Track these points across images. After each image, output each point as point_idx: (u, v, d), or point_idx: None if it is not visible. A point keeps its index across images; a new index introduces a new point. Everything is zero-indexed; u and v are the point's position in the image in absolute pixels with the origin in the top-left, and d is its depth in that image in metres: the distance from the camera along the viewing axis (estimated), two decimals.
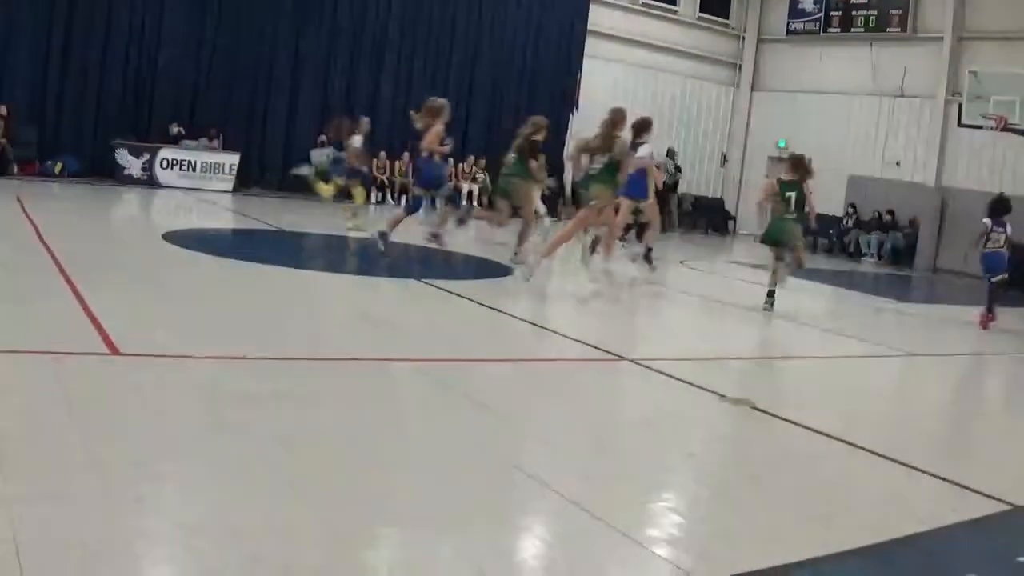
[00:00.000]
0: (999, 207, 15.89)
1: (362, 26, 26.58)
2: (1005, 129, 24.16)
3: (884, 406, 8.93)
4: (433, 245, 14.81)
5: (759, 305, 13.70)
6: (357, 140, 18.42)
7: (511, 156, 15.17)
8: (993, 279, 15.59)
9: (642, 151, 15.01)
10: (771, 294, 13.90)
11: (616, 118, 13.16)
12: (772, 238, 14.11)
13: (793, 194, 13.76)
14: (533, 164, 14.96)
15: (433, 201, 15.98)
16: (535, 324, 10.27)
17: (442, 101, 14.90)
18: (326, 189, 19.10)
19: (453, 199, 16.24)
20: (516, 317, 10.34)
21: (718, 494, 5.63)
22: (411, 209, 15.66)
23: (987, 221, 15.77)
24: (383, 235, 14.42)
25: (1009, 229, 15.73)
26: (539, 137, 15.00)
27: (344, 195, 18.88)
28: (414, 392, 6.98)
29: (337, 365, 7.41)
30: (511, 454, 5.73)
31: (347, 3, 26.29)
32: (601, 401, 7.56)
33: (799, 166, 14.07)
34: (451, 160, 22.10)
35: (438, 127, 14.35)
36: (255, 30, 24.73)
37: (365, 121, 18.94)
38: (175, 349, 7.05)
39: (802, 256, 14.50)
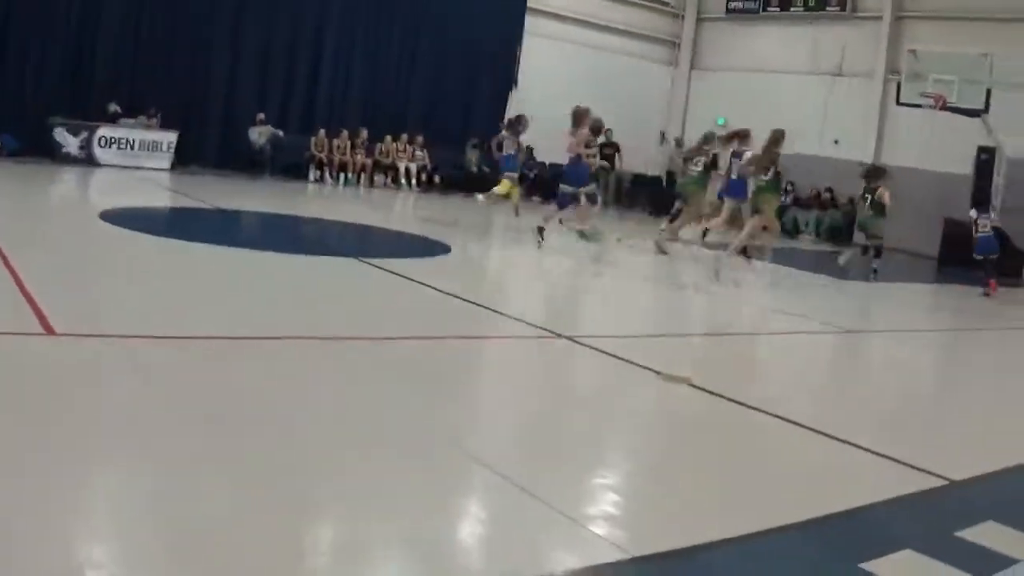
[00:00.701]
0: (874, 174, 19.09)
1: (302, 5, 26.25)
2: (943, 108, 24.26)
3: (821, 382, 8.96)
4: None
5: (697, 282, 13.80)
6: (523, 137, 19.83)
7: (695, 168, 17.28)
8: (990, 257, 18.39)
9: (747, 158, 16.74)
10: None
11: (778, 136, 15.89)
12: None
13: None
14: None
15: (577, 198, 16.31)
16: (472, 302, 10.16)
17: (586, 107, 16.57)
18: (504, 187, 19.08)
19: (593, 197, 17.56)
20: (453, 295, 10.22)
21: (654, 471, 5.61)
22: (561, 205, 16.62)
23: (973, 213, 18.94)
24: (540, 230, 15.93)
25: (993, 216, 18.98)
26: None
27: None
28: (350, 370, 6.87)
29: (270, 344, 7.30)
30: (447, 432, 5.67)
31: None
32: (537, 379, 7.51)
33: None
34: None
35: (584, 131, 16.23)
36: (193, 7, 24.35)
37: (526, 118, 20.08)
38: (110, 329, 6.94)
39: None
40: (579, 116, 16.31)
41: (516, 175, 19.47)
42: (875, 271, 18.63)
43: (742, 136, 17.48)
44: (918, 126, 27.70)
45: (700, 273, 15.72)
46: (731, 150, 17.60)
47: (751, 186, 16.87)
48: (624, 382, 7.52)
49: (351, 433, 5.44)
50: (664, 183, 28.07)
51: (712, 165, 18.22)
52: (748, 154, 16.87)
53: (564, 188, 16.43)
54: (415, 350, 7.68)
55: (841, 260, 18.63)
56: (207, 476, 4.47)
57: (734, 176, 17.35)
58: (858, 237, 20.97)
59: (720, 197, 18.12)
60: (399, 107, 28.11)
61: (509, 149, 19.39)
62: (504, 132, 20.12)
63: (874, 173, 19.33)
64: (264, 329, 7.78)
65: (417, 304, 9.81)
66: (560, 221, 17.09)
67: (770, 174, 15.93)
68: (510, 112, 29.03)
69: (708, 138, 18.83)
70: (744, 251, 16.66)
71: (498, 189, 18.83)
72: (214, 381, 6.09)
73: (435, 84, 28.91)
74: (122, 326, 7.08)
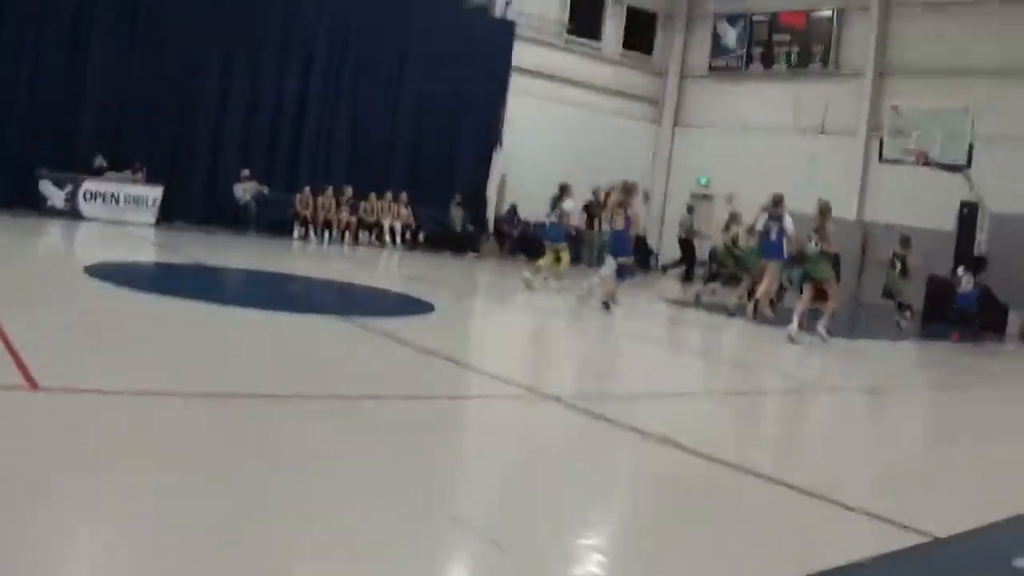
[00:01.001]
0: (906, 243, 21.12)
1: (287, 63, 26.33)
2: (926, 164, 24.39)
3: (807, 441, 8.87)
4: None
5: (682, 341, 13.78)
6: (569, 204, 19.59)
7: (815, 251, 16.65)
8: (966, 313, 20.95)
9: (788, 222, 17.62)
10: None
11: (826, 207, 16.46)
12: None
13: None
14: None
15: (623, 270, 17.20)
16: (453, 361, 10.08)
17: (635, 181, 17.98)
18: (548, 262, 19.31)
19: (631, 270, 17.83)
20: (434, 353, 10.14)
21: (639, 531, 5.52)
22: (621, 278, 17.13)
23: (959, 272, 21.58)
24: (606, 305, 16.27)
25: (977, 277, 21.07)
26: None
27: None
28: (330, 428, 6.78)
29: (247, 401, 7.20)
30: (429, 491, 5.57)
31: (272, 39, 26.02)
32: (523, 438, 7.39)
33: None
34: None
35: (637, 205, 17.43)
36: (180, 64, 24.34)
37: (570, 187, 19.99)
38: (93, 384, 6.84)
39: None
40: (629, 188, 17.30)
41: (563, 244, 19.46)
42: (899, 324, 20.89)
43: (778, 201, 17.99)
44: (901, 182, 27.87)
45: (681, 331, 15.75)
46: (768, 214, 18.07)
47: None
48: (606, 442, 7.43)
49: (339, 492, 5.35)
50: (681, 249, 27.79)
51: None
52: (788, 218, 17.76)
53: (623, 260, 17.02)
54: (394, 409, 7.59)
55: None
56: (185, 533, 4.38)
57: (773, 239, 17.80)
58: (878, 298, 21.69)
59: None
60: (383, 165, 28.13)
61: (551, 217, 19.50)
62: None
63: (905, 243, 21.08)
64: (243, 386, 7.68)
65: (397, 362, 9.70)
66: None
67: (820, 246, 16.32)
68: (494, 170, 29.20)
69: (735, 217, 20.41)
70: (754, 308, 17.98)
71: (543, 261, 19.13)
72: (194, 437, 6.00)
73: (419, 142, 28.97)
74: (105, 381, 6.98)
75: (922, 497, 6.89)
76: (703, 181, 33.47)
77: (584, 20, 32.72)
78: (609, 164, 32.80)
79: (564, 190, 19.46)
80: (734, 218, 20.56)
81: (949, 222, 25.56)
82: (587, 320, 16.06)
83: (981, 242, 24.41)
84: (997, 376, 17.11)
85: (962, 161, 23.75)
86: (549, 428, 7.73)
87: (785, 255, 17.60)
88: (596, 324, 15.73)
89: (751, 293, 18.83)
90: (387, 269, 22.09)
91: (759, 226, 18.23)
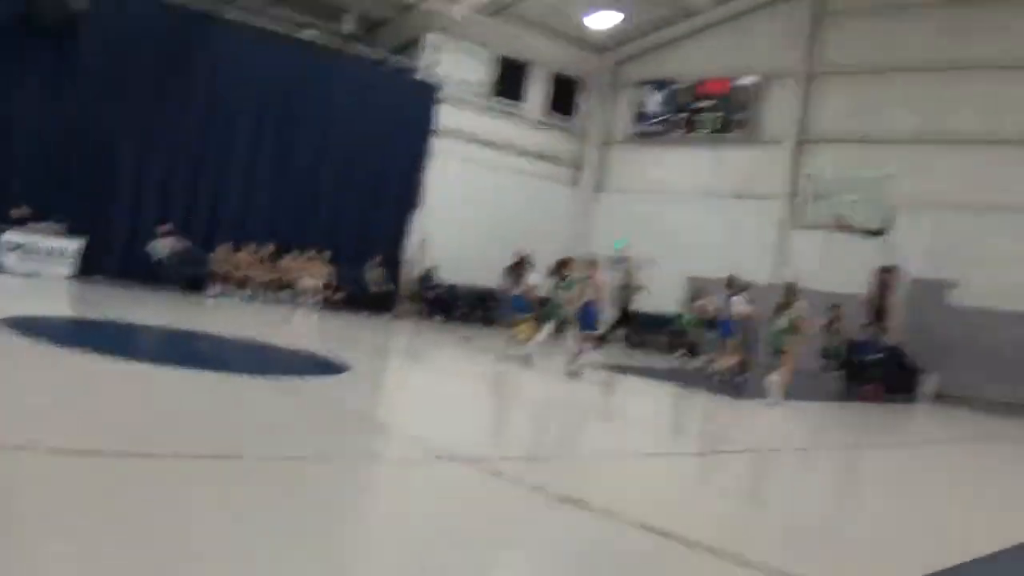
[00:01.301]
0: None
1: (211, 118, 26.08)
2: (843, 228, 24.57)
3: (722, 502, 8.70)
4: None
5: (598, 404, 13.73)
6: (534, 277, 19.39)
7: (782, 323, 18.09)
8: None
9: (735, 301, 19.11)
10: None
11: (792, 289, 18.19)
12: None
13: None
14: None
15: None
16: (368, 421, 9.80)
17: (596, 256, 19.72)
18: (523, 330, 18.72)
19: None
20: (351, 415, 9.86)
21: None
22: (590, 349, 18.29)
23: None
24: (573, 374, 16.90)
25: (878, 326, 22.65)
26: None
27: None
28: (228, 491, 6.47)
29: (146, 462, 6.86)
30: (330, 562, 5.30)
31: (195, 95, 25.77)
32: (426, 503, 7.10)
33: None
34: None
35: (602, 277, 18.21)
36: (104, 116, 24.02)
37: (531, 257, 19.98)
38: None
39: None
40: (593, 263, 18.59)
41: (530, 314, 19.01)
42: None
43: (729, 283, 20.48)
44: (819, 247, 28.08)
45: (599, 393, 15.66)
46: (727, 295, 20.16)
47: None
48: (520, 506, 7.20)
49: (233, 556, 5.08)
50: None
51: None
52: (736, 299, 19.78)
53: (590, 332, 18.09)
54: (297, 471, 7.27)
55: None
56: None
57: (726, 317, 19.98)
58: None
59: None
60: (303, 223, 27.87)
61: (514, 289, 19.48)
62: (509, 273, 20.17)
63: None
64: (144, 445, 7.35)
65: (308, 422, 9.42)
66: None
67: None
68: (414, 232, 29.07)
69: (702, 291, 22.62)
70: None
71: (519, 334, 18.66)
72: (93, 495, 5.71)
73: (340, 201, 28.74)
74: (14, 437, 6.67)
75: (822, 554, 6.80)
76: (618, 245, 33.50)
77: (508, 84, 32.80)
78: (530, 227, 32.89)
79: (525, 262, 19.41)
80: (701, 292, 22.41)
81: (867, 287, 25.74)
82: (506, 381, 15.90)
83: (897, 306, 24.54)
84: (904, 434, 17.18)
85: (879, 227, 23.94)
86: (458, 490, 7.48)
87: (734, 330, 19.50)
88: (517, 385, 15.59)
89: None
90: (303, 328, 21.75)
91: (711, 307, 20.80)
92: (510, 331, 18.75)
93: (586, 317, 17.60)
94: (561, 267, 18.21)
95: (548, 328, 18.35)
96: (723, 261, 30.12)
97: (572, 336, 17.63)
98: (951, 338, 25.12)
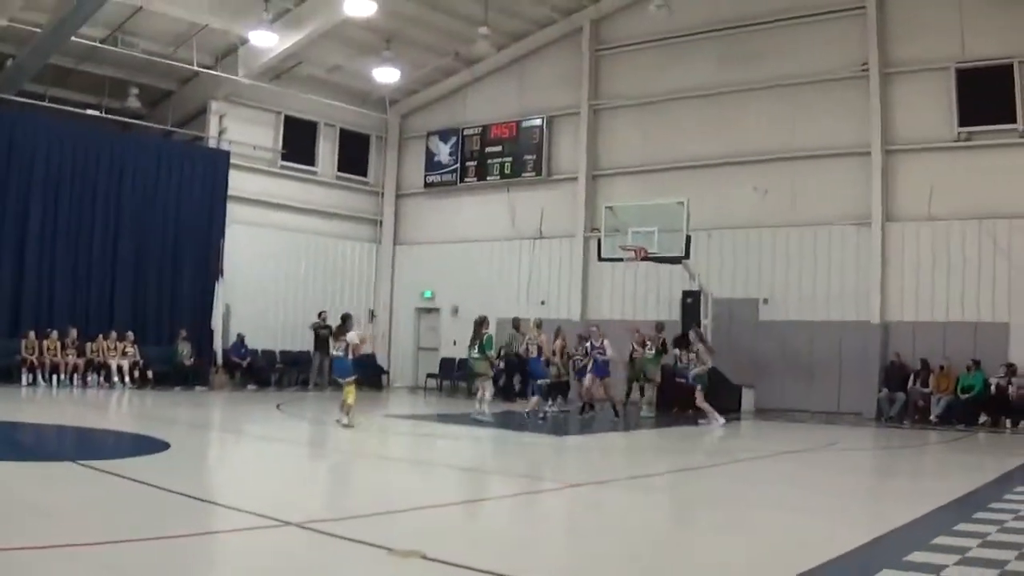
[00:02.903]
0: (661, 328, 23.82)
1: (3, 208, 25.39)
2: (645, 259, 24.97)
3: (563, 537, 8.79)
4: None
5: (423, 456, 13.72)
6: (353, 336, 17.95)
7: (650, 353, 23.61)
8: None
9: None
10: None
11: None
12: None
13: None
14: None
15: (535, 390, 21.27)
16: (194, 497, 9.52)
17: (539, 319, 23.54)
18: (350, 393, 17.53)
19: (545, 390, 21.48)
20: (176, 492, 9.57)
21: None
22: (543, 397, 21.19)
23: (675, 352, 23.87)
24: (539, 415, 20.51)
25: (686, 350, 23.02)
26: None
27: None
28: None
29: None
30: None
31: None
32: (262, 573, 6.94)
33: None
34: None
35: (546, 337, 21.78)
36: None
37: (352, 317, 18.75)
38: None
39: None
40: (541, 325, 22.29)
41: (352, 377, 17.75)
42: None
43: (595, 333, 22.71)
44: (622, 278, 28.61)
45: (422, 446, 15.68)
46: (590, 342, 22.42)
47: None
48: (353, 563, 7.12)
49: None
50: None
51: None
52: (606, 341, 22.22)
53: (543, 381, 21.18)
54: (125, 552, 7.03)
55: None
56: None
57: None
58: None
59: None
60: (106, 305, 27.30)
61: (337, 351, 18.26)
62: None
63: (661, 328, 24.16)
64: None
65: (131, 503, 9.11)
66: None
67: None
68: (218, 301, 28.59)
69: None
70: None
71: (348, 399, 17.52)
72: None
73: (139, 279, 28.24)
74: None
75: None
76: (427, 295, 33.64)
77: (297, 146, 32.52)
78: (333, 285, 32.86)
79: (346, 321, 18.33)
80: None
81: (675, 312, 26.25)
82: (327, 444, 15.76)
83: (706, 327, 25.12)
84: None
85: (680, 253, 24.39)
86: (291, 555, 7.35)
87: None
88: (338, 448, 15.49)
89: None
90: (118, 409, 21.17)
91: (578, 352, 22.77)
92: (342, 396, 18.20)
93: (536, 368, 21.45)
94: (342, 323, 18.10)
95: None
96: (529, 302, 30.58)
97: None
98: (765, 353, 25.92)
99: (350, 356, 17.90)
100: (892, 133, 25.10)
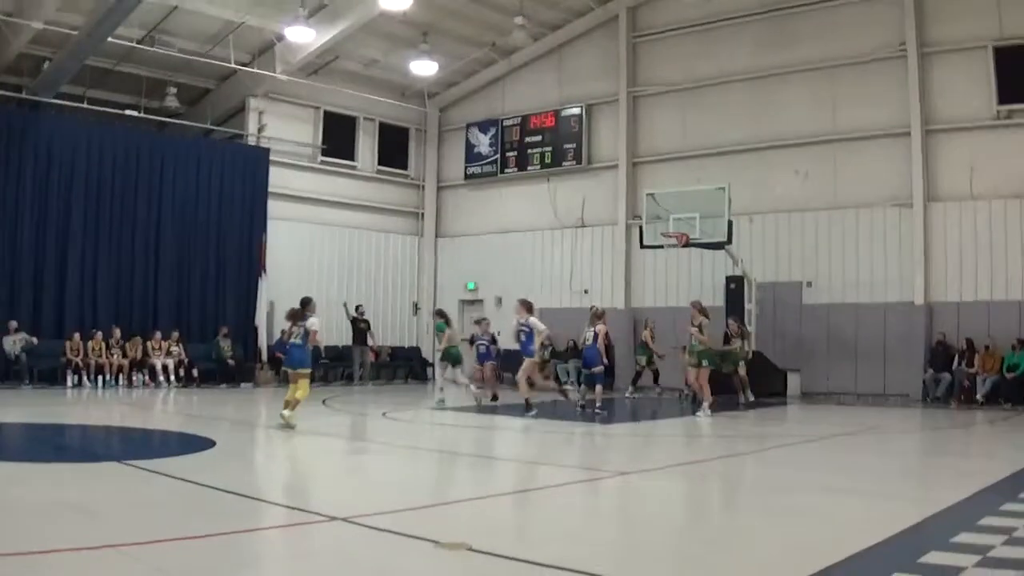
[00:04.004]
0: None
1: (46, 210, 25.63)
2: (687, 245, 24.88)
3: (604, 528, 8.70)
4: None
5: (465, 449, 14.37)
6: (313, 321, 16.42)
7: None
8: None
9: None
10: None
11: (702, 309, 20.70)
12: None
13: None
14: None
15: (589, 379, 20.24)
16: (239, 494, 9.53)
17: (602, 307, 22.42)
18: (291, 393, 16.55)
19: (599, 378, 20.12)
20: (222, 489, 9.57)
21: None
22: (591, 384, 20.08)
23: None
24: (583, 406, 19.99)
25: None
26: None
27: None
28: None
29: (34, 559, 6.57)
30: None
31: (29, 186, 25.37)
32: (312, 568, 6.93)
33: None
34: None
35: (604, 327, 20.23)
36: None
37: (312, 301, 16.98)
38: None
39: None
40: (599, 314, 20.28)
41: (307, 369, 16.77)
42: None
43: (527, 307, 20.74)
44: (664, 266, 28.51)
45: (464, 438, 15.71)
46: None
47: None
48: (402, 557, 7.10)
49: None
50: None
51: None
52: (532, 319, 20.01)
53: (586, 371, 20.20)
54: (176, 552, 7.02)
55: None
56: None
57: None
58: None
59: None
60: (149, 304, 27.49)
61: (295, 339, 16.62)
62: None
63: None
64: (21, 544, 7.02)
65: (177, 502, 9.11)
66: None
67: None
68: (262, 298, 28.70)
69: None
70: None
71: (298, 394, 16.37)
72: None
73: (182, 278, 28.46)
74: None
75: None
76: (471, 286, 33.64)
77: (337, 141, 32.58)
78: (375, 279, 32.94)
79: (306, 305, 16.74)
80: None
81: (719, 297, 26.14)
82: (373, 438, 15.76)
83: (750, 312, 25.03)
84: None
85: (722, 238, 24.29)
86: (338, 551, 7.33)
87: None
88: (384, 441, 15.52)
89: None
90: (163, 408, 21.24)
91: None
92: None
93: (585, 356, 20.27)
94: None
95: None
96: (572, 291, 30.57)
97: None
98: (809, 336, 25.78)
99: (309, 345, 16.55)
100: (931, 113, 24.88)
